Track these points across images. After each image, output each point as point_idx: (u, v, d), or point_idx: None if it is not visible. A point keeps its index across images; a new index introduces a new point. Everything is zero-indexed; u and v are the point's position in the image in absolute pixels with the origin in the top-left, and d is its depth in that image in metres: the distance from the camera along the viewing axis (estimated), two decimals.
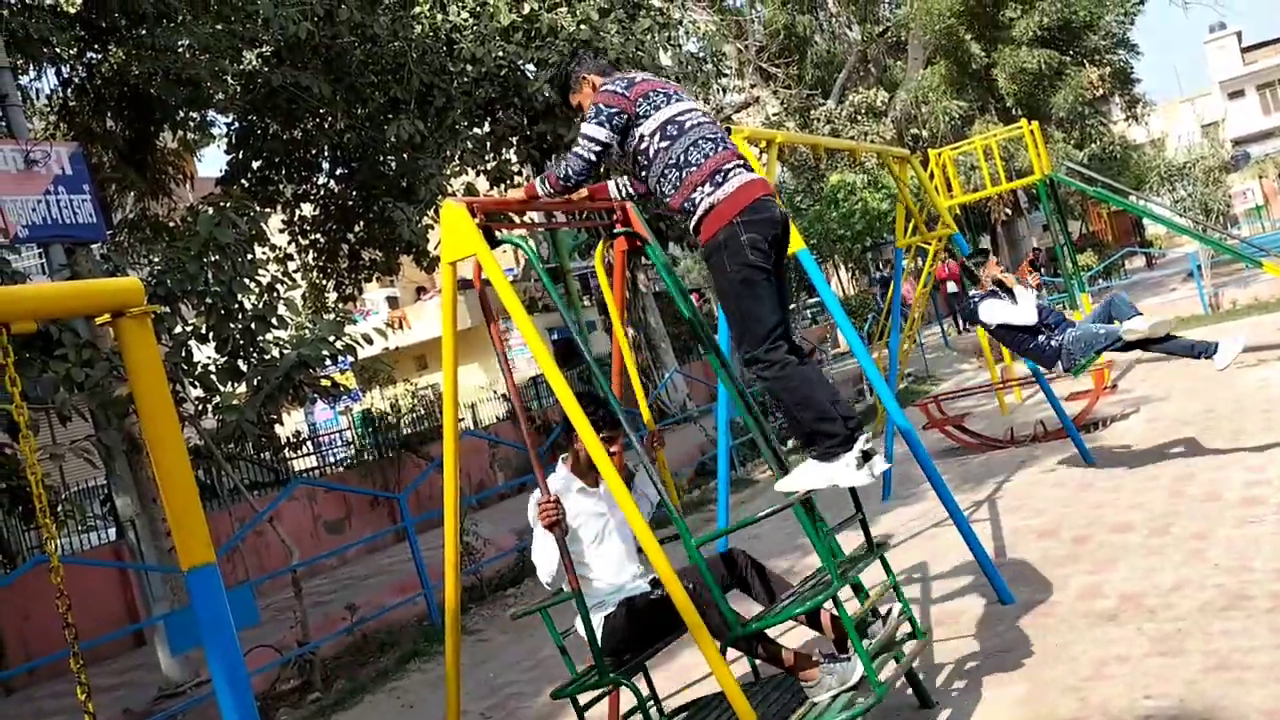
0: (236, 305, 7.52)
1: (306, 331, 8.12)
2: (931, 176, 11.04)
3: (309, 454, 14.81)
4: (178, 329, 7.56)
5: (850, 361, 18.41)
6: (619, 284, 4.84)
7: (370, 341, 8.38)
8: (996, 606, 5.34)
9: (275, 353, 7.78)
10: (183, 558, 2.80)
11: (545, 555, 3.93)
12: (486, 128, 13.36)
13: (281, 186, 13.33)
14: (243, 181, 12.74)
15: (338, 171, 13.32)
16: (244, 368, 7.70)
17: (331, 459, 15.36)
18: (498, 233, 3.95)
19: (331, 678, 7.33)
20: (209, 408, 7.91)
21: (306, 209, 13.79)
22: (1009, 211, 25.97)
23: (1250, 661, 3.99)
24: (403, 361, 22.39)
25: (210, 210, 7.82)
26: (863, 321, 18.69)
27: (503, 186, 13.50)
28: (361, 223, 13.35)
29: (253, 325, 7.49)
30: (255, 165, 12.98)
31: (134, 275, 8.74)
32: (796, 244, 5.63)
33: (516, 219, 4.81)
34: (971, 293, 7.71)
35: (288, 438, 10.23)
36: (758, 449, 12.81)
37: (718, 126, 4.14)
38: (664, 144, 4.00)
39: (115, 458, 7.23)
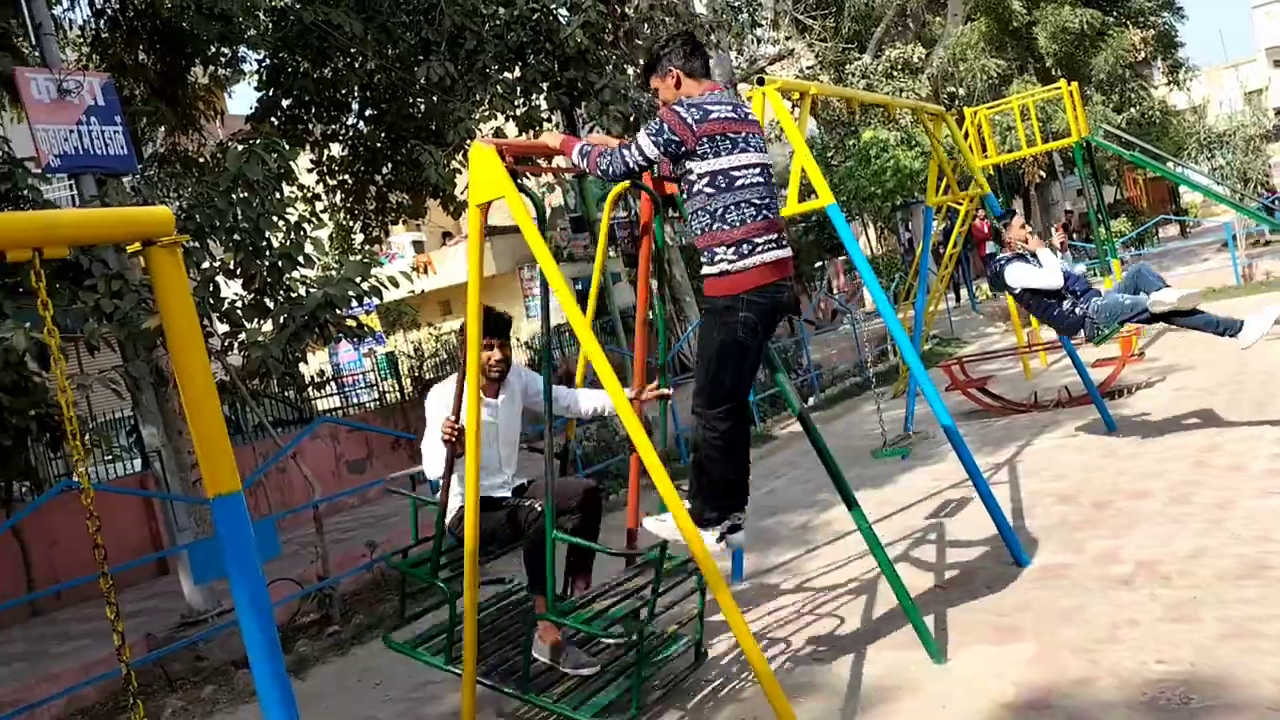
0: (264, 242, 7.53)
1: (333, 271, 8.16)
2: (966, 135, 10.92)
3: (332, 394, 14.94)
4: (205, 264, 7.59)
5: (876, 321, 18.37)
6: (646, 243, 4.90)
7: (396, 285, 8.39)
8: (1011, 568, 5.35)
9: (301, 291, 7.79)
10: (209, 485, 2.84)
11: (434, 458, 4.49)
12: (517, 72, 13.24)
13: (311, 126, 13.24)
14: (272, 119, 12.69)
15: (367, 112, 13.22)
16: (270, 305, 7.74)
17: (355, 400, 15.53)
18: (522, 177, 4.03)
19: (350, 612, 7.46)
20: (235, 343, 7.96)
21: (335, 149, 13.73)
22: (1043, 174, 25.61)
23: (1266, 630, 3.99)
24: (427, 306, 22.55)
25: (240, 147, 7.82)
26: (890, 281, 18.56)
27: (531, 133, 13.37)
28: (389, 165, 13.30)
29: (280, 263, 7.50)
30: (285, 104, 12.91)
31: (163, 207, 8.81)
32: (825, 198, 5.61)
33: (544, 164, 4.81)
34: (998, 255, 7.61)
35: (312, 377, 10.23)
36: (780, 403, 13.25)
37: (769, 188, 4.05)
38: (709, 191, 3.95)
39: (142, 389, 7.31)
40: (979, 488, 5.50)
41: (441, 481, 4.42)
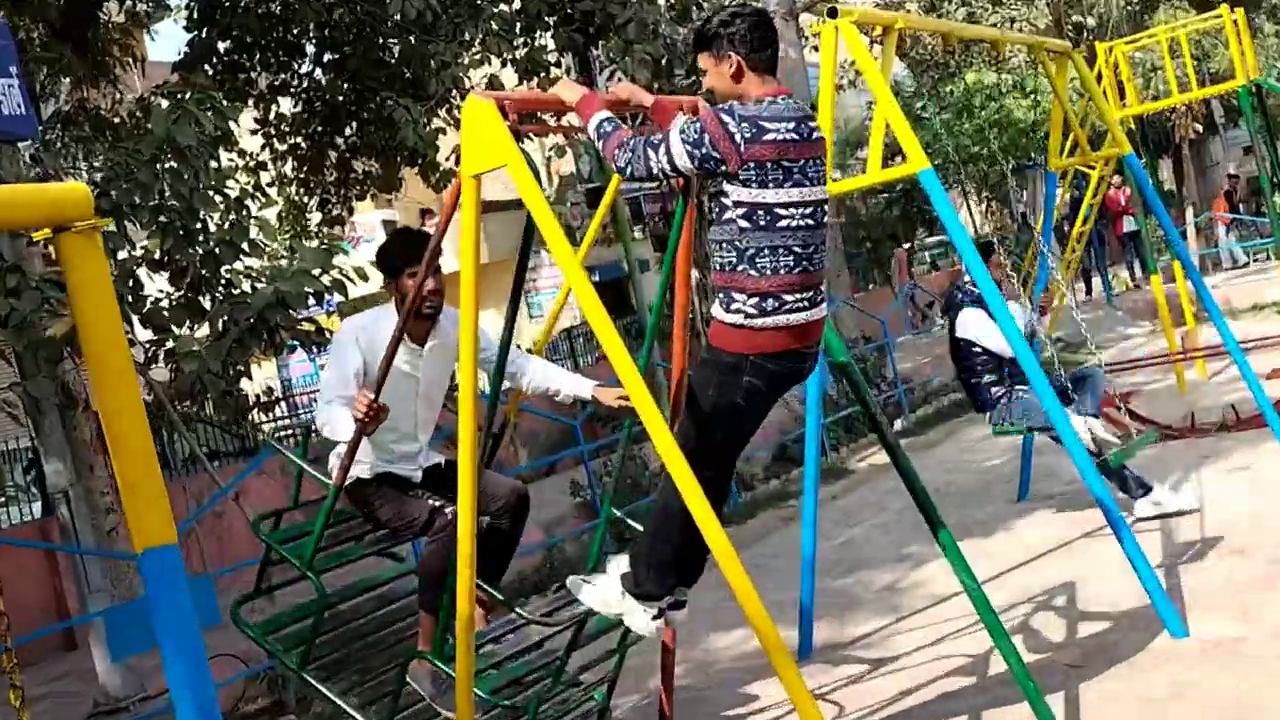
0: (199, 225, 7.62)
1: (285, 261, 8.23)
2: (1099, 79, 10.87)
3: (283, 417, 15.00)
4: (124, 253, 7.69)
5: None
6: (688, 220, 4.77)
7: (365, 278, 8.27)
8: (1165, 640, 5.38)
9: (246, 287, 7.88)
10: (136, 535, 2.89)
11: (337, 424, 4.56)
12: (516, 4, 13.34)
13: (255, 75, 13.34)
14: (206, 68, 12.83)
15: (325, 58, 13.28)
16: (206, 305, 7.81)
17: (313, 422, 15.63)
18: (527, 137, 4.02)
19: (308, 696, 7.51)
20: (160, 354, 8.07)
21: (285, 105, 13.80)
22: (1199, 128, 25.40)
23: None
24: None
25: (166, 103, 7.92)
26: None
27: (535, 81, 13.44)
28: (354, 124, 13.34)
29: (218, 250, 7.58)
30: (222, 47, 13.06)
31: (70, 180, 8.94)
32: (917, 161, 5.64)
33: (552, 122, 4.84)
34: (961, 287, 7.96)
35: (258, 396, 10.40)
36: (855, 430, 13.20)
37: (818, 233, 4.09)
38: (743, 225, 3.94)
39: (45, 413, 7.42)
40: (1120, 537, 5.50)
41: (343, 454, 4.55)
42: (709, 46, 4.06)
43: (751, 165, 3.86)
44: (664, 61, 12.55)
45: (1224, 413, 9.72)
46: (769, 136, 3.87)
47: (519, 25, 13.24)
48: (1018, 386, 7.56)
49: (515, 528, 4.86)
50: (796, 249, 3.98)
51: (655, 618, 4.26)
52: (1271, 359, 10.73)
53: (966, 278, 7.78)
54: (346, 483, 4.66)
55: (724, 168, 3.87)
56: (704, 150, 3.84)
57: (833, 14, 5.83)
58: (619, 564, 4.35)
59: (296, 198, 13.99)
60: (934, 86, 22.71)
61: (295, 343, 8.74)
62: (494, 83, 12.57)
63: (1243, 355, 8.38)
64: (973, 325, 7.72)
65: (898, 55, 6.92)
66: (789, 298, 3.98)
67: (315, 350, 9.50)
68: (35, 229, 2.84)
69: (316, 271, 8.04)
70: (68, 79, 12.14)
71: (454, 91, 12.30)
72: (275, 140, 13.76)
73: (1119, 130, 8.58)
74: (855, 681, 5.95)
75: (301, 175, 13.94)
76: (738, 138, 3.83)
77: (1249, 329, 13.52)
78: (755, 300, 3.95)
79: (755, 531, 10.06)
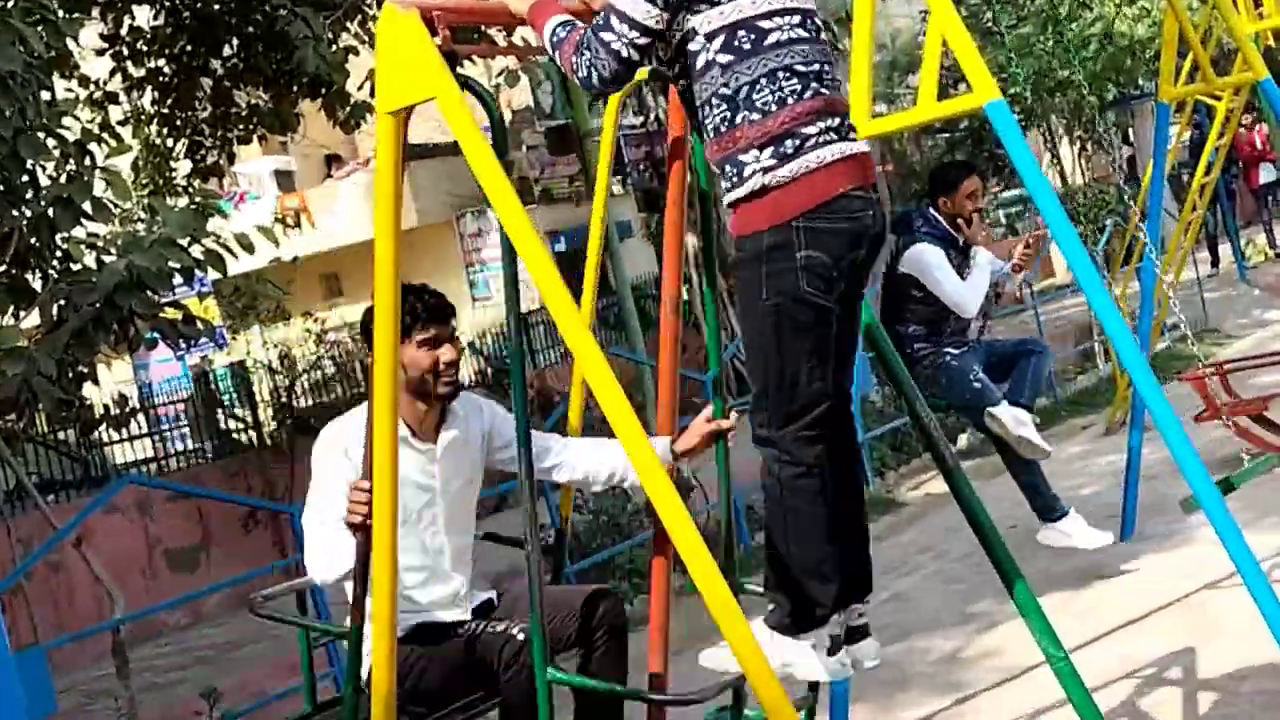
0: (25, 178, 7.66)
1: (142, 227, 8.49)
2: None
3: (141, 435, 15.01)
4: None
5: (1073, 302, 18.31)
6: (678, 169, 4.85)
7: (250, 249, 8.48)
8: None
9: (89, 261, 7.92)
10: None
11: (328, 553, 4.37)
12: None
13: None
14: None
15: None
16: (37, 285, 7.91)
17: (179, 444, 15.69)
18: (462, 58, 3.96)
19: None
20: None
21: (142, 16, 13.80)
22: None
23: None
24: (302, 282, 22.41)
25: None
26: (1098, 231, 18.58)
27: None
28: (235, 41, 13.33)
29: (51, 213, 7.60)
30: None
31: None
32: (985, 91, 5.58)
33: (500, 39, 4.87)
34: (917, 223, 8.24)
35: (106, 406, 10.64)
36: (907, 449, 13.33)
37: (819, 47, 4.13)
38: (724, 59, 3.99)
39: None
40: (1254, 588, 5.46)
41: (351, 594, 4.29)
42: None
43: None
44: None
45: None
46: None
47: None
48: (947, 349, 8.07)
49: (613, 643, 4.68)
50: (799, 67, 3.99)
51: (832, 652, 4.20)
52: None
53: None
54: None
55: None
56: None
57: None
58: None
59: (158, 140, 14.07)
60: None
61: (155, 335, 8.74)
62: None
63: None
64: (925, 261, 8.00)
65: None
66: (809, 130, 3.98)
67: (185, 346, 9.50)
68: None
69: (184, 240, 8.01)
70: None
71: (368, 1, 12.31)
72: (129, 63, 13.72)
73: (1252, 49, 8.60)
74: None
75: (165, 110, 13.90)
76: None
77: None
78: (768, 148, 3.96)
79: None
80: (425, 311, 4.54)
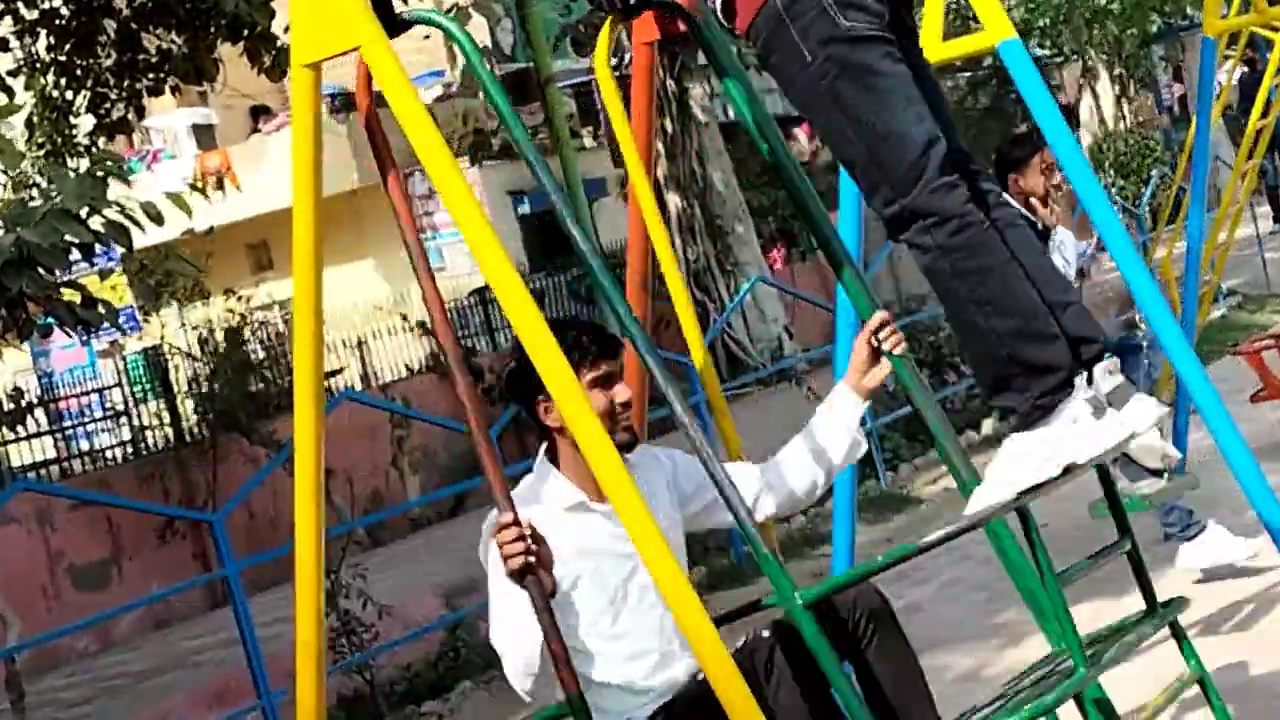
0: None
1: (36, 195, 8.46)
2: None
3: (40, 432, 15.38)
4: None
5: (1110, 268, 18.68)
6: (642, 106, 4.93)
7: (159, 220, 8.47)
8: None
9: None
10: None
11: (517, 634, 3.96)
12: None
13: None
14: None
15: None
16: None
17: (85, 444, 16.14)
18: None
19: None
20: None
21: None
22: None
23: None
24: (226, 254, 23.22)
25: None
26: (1143, 183, 18.65)
27: None
28: None
29: None
30: None
31: None
32: (997, 29, 5.68)
33: None
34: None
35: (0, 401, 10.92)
36: (924, 437, 13.20)
37: None
38: None
39: None
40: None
41: (547, 659, 3.89)
42: None
43: None
44: None
45: None
46: None
47: None
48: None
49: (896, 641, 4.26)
50: None
51: (1099, 415, 4.11)
52: None
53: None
54: None
55: None
56: None
57: None
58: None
59: (55, 93, 14.11)
60: None
61: (49, 321, 8.78)
62: None
63: None
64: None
65: None
66: None
67: (86, 331, 9.37)
68: None
69: (83, 210, 8.08)
70: None
71: None
72: (21, 4, 13.63)
73: None
74: None
75: (63, 58, 13.93)
76: None
77: None
78: None
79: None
80: (594, 344, 4.26)
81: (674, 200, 19.05)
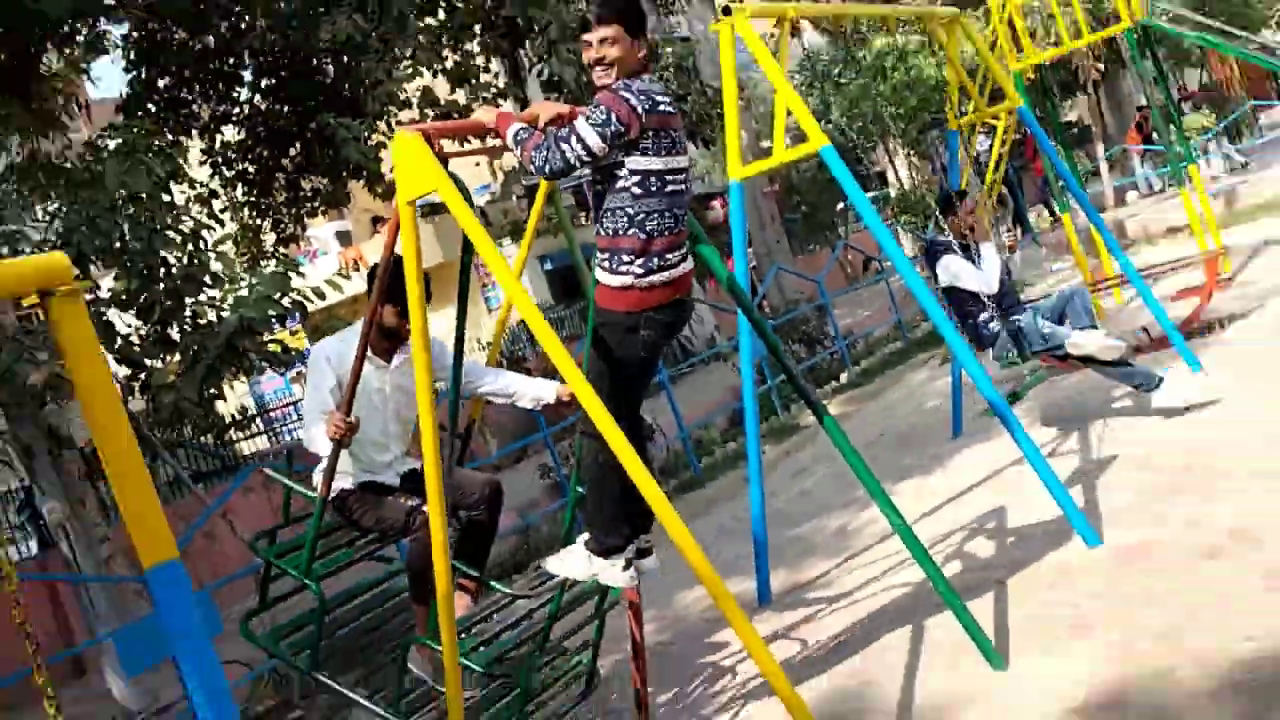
0: (159, 262, 7.85)
1: (246, 288, 8.47)
2: (994, 39, 11.15)
3: (259, 433, 15.27)
4: (90, 296, 7.89)
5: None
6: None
7: (322, 296, 8.71)
8: (1081, 552, 5.71)
9: (211, 316, 8.13)
10: (143, 554, 3.18)
11: (318, 441, 4.75)
12: (441, 16, 13.48)
13: (197, 107, 13.49)
14: (149, 105, 12.96)
15: (264, 83, 13.44)
16: (175, 336, 8.07)
17: (289, 436, 15.76)
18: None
19: (313, 694, 7.79)
20: (137, 386, 8.27)
21: (229, 133, 13.96)
22: (1101, 67, 25.75)
23: None
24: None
25: (111, 145, 8.12)
26: (927, 218, 18.94)
27: (467, 88, 13.62)
28: (298, 144, 13.52)
29: (180, 284, 7.81)
30: (162, 83, 13.19)
31: (31, 231, 9.07)
32: (816, 140, 5.90)
33: (476, 141, 5.14)
34: (932, 236, 8.16)
35: (233, 416, 10.55)
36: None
37: (688, 196, 4.46)
38: (637, 192, 4.22)
39: (36, 455, 7.62)
40: (1034, 465, 5.86)
41: (324, 470, 4.76)
42: (640, 26, 4.33)
43: (649, 132, 4.16)
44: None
45: (1137, 336, 9.72)
46: (660, 108, 4.21)
47: (445, 37, 13.39)
48: (1012, 317, 7.88)
49: (492, 518, 5.03)
50: (678, 211, 4.34)
51: (625, 568, 4.54)
52: (1180, 281, 11.02)
53: (935, 231, 8.05)
54: (331, 495, 4.84)
55: (628, 136, 4.11)
56: (612, 128, 4.07)
57: (726, 12, 6.06)
58: (583, 536, 4.64)
59: (249, 221, 14.11)
60: (848, 53, 22.90)
61: (264, 363, 8.89)
62: (428, 95, 12.78)
63: (1143, 282, 8.75)
64: (951, 270, 7.97)
65: (813, 27, 7.14)
66: (672, 255, 4.31)
67: (283, 367, 9.55)
68: (24, 296, 3.11)
69: (276, 295, 8.24)
70: (17, 133, 12.18)
71: (390, 106, 12.47)
72: (224, 168, 13.87)
73: (1009, 85, 8.91)
74: (812, 620, 6.29)
75: (252, 199, 14.06)
76: (639, 109, 4.11)
77: (1165, 253, 13.87)
78: (642, 261, 4.23)
79: (718, 494, 10.36)
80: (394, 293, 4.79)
81: None
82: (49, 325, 3.19)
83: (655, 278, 4.26)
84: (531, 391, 5.30)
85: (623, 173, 4.21)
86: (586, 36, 4.28)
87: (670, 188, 4.28)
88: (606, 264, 4.30)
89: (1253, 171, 20.17)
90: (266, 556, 5.21)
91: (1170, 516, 5.76)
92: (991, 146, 11.15)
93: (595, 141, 4.07)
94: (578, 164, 4.13)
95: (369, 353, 4.74)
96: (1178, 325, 8.90)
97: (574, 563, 4.61)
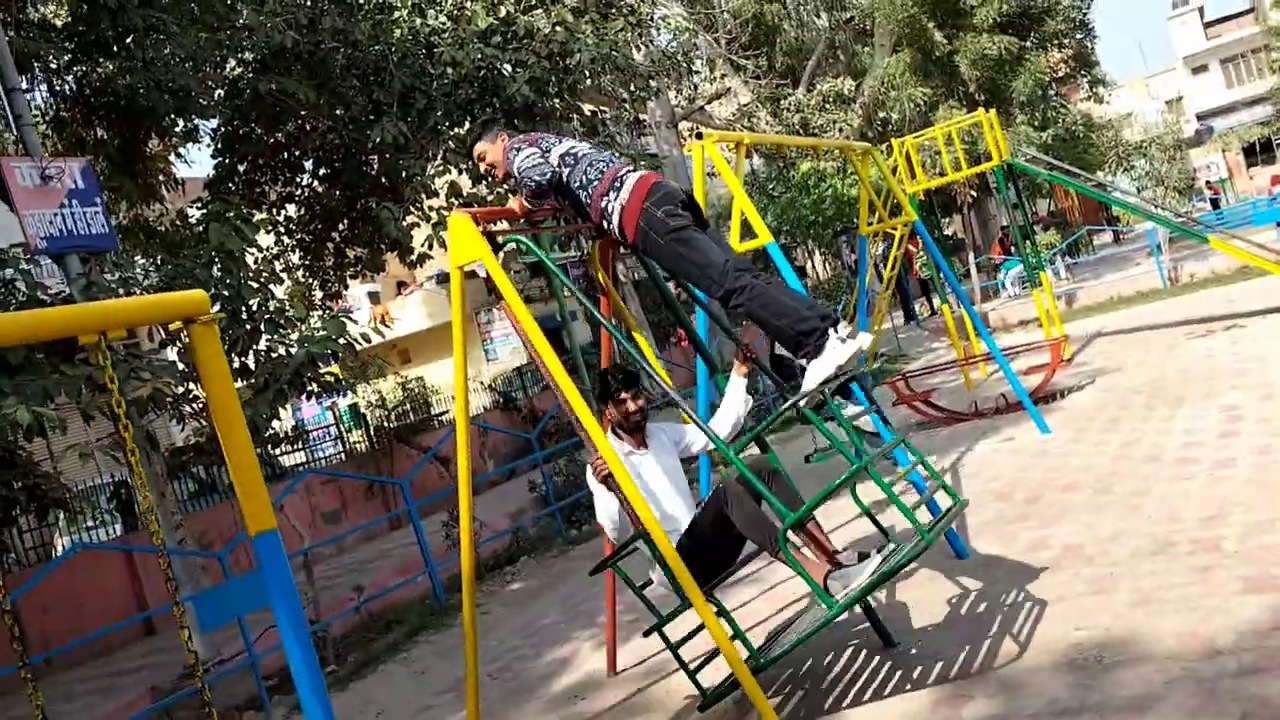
0: (243, 307, 7.97)
1: (312, 331, 8.58)
2: (895, 165, 11.57)
3: (297, 449, 15.26)
4: None
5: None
6: (607, 279, 5.31)
7: (369, 340, 8.86)
8: (954, 561, 5.88)
9: (281, 350, 8.22)
10: (251, 525, 3.32)
11: (606, 510, 4.40)
12: (467, 126, 13.70)
13: (267, 188, 13.63)
14: (230, 184, 13.10)
15: (321, 172, 13.59)
16: (251, 365, 8.16)
17: (320, 454, 15.80)
18: (500, 237, 4.51)
19: (344, 652, 7.83)
20: None
21: (291, 209, 14.07)
22: (974, 193, 26.54)
23: (1169, 596, 4.56)
24: (385, 355, 22.67)
25: (210, 218, 8.30)
26: (835, 304, 19.32)
27: (485, 183, 13.83)
28: (346, 221, 13.66)
29: (262, 326, 7.93)
30: (241, 168, 13.34)
31: (139, 276, 9.13)
32: (764, 237, 6.17)
33: (509, 223, 5.36)
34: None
35: (286, 433, 10.57)
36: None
37: (603, 153, 4.77)
38: (567, 170, 4.63)
39: (150, 457, 7.68)
40: (919, 491, 6.04)
41: (625, 519, 4.33)
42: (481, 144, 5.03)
43: (539, 141, 4.87)
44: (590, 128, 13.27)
45: (997, 401, 10.22)
46: (528, 135, 4.96)
47: (470, 142, 13.60)
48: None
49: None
50: (593, 162, 4.73)
51: (845, 340, 4.21)
52: (1031, 360, 11.38)
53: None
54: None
55: (537, 151, 4.75)
56: (526, 151, 4.75)
57: (699, 136, 6.43)
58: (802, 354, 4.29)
59: (303, 279, 14.20)
60: (781, 171, 23.46)
61: (320, 390, 8.91)
62: (454, 188, 12.98)
63: (1004, 359, 9.05)
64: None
65: (754, 151, 7.48)
66: (621, 174, 4.68)
67: (322, 396, 9.52)
68: (173, 322, 3.27)
69: (336, 336, 8.33)
70: (125, 201, 12.30)
71: (423, 195, 12.69)
72: (285, 237, 14.04)
73: (908, 204, 9.28)
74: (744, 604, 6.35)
75: (306, 262, 14.20)
76: (521, 139, 4.86)
77: (1019, 339, 14.33)
78: (610, 192, 4.62)
79: None
80: (626, 381, 4.73)
81: (611, 320, 19.25)
82: (189, 347, 3.33)
83: (624, 191, 4.61)
84: (736, 406, 4.82)
85: (565, 175, 4.77)
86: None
87: (580, 153, 4.81)
88: (608, 217, 4.65)
89: (1087, 280, 20.77)
90: (659, 625, 4.44)
91: (1020, 537, 5.97)
92: (889, 250, 11.41)
93: (530, 160, 4.71)
94: (539, 176, 4.65)
95: (628, 445, 4.60)
96: (1030, 393, 9.20)
97: (815, 373, 4.19)
